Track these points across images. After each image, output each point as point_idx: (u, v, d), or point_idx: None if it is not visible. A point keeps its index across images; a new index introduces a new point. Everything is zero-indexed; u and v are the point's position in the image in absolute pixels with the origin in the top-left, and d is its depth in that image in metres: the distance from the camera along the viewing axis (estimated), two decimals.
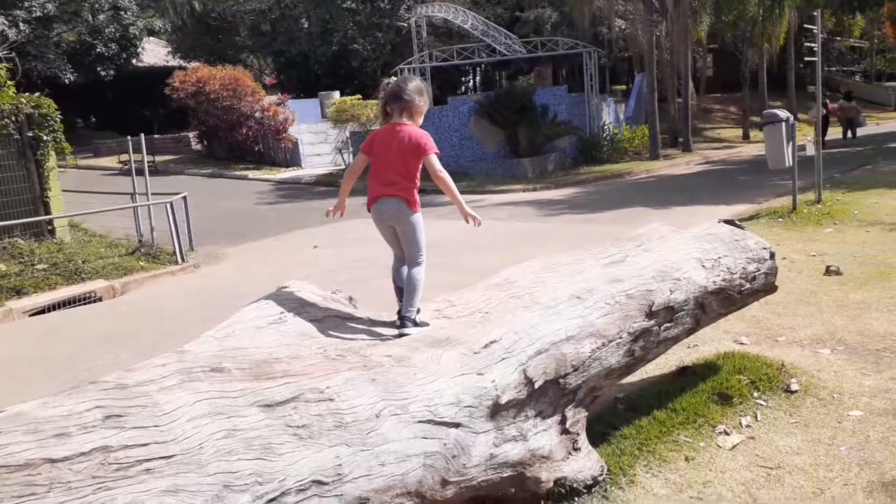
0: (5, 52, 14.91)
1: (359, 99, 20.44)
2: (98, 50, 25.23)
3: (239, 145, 22.63)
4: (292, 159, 22.41)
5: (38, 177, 9.81)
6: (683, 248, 3.90)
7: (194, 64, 26.43)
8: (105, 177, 22.89)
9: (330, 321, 3.21)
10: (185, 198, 11.58)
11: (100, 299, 9.10)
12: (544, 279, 3.86)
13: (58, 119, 9.89)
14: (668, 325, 3.43)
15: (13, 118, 9.47)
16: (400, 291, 3.52)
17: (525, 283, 3.66)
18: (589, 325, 3.14)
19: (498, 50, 19.56)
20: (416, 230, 3.50)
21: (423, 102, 3.53)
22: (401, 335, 3.14)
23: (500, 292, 3.90)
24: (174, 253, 10.47)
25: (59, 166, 24.02)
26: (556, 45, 19.91)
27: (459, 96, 20.84)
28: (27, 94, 10.19)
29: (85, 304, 8.85)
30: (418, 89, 3.51)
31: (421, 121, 3.54)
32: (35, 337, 7.35)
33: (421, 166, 3.47)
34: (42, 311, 8.53)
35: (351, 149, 21.30)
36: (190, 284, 9.42)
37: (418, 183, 3.47)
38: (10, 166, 9.83)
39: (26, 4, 24.03)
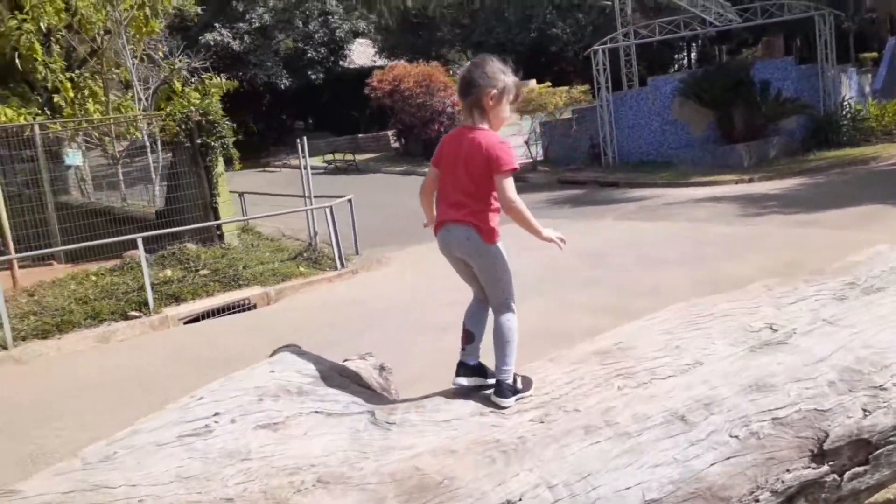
0: (203, 62, 15.83)
1: (548, 87, 19.12)
2: (309, 55, 26.57)
3: (432, 142, 22.43)
4: None
5: (207, 182, 9.98)
6: None
7: (395, 63, 26.86)
8: (312, 176, 24.07)
9: (309, 421, 2.18)
10: (349, 200, 11.25)
11: (254, 307, 8.97)
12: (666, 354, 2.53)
13: (226, 125, 9.99)
14: (860, 469, 1.92)
15: (183, 126, 9.68)
16: (468, 336, 2.68)
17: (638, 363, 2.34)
18: (692, 476, 1.76)
19: (707, 20, 17.09)
20: (494, 267, 2.63)
21: (501, 85, 2.55)
22: (494, 405, 2.40)
23: (599, 368, 2.67)
24: (334, 258, 10.14)
25: (274, 166, 25.54)
26: (780, 9, 16.92)
27: (662, 76, 18.61)
28: (203, 99, 10.41)
29: (238, 311, 8.74)
30: (492, 71, 2.54)
31: (504, 113, 2.63)
32: (168, 348, 7.23)
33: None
34: (196, 319, 8.55)
35: (540, 141, 20.08)
36: (338, 295, 8.96)
37: (496, 204, 2.61)
38: (183, 173, 10.10)
39: (248, 17, 25.98)
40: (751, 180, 14.28)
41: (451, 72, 28.05)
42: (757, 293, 3.42)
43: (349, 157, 23.81)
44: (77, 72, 13.57)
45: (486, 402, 2.44)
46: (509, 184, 2.50)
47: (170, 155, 10.74)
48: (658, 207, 12.17)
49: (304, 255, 10.43)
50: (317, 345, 6.53)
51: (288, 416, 2.14)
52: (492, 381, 2.52)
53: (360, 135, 27.88)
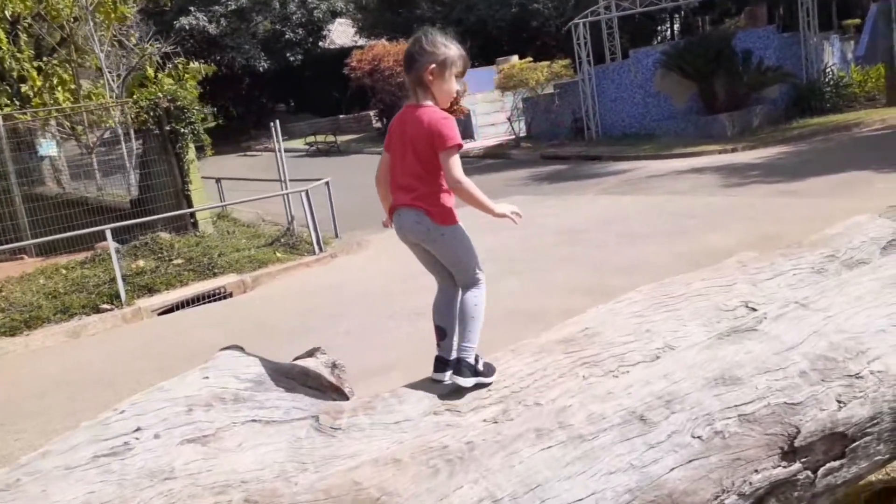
0: (170, 47, 15.43)
1: (529, 62, 18.81)
2: (287, 36, 26.12)
3: None
4: (465, 131, 21.45)
5: (178, 170, 9.72)
6: (882, 295, 2.12)
7: (375, 42, 26.44)
8: (294, 159, 23.75)
9: (244, 431, 2.01)
10: (327, 183, 11.02)
11: (230, 295, 8.77)
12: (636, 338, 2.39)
13: (195, 111, 9.71)
14: (836, 464, 1.76)
15: (151, 113, 9.40)
16: (440, 332, 2.57)
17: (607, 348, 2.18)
18: (650, 483, 1.60)
19: None
20: (454, 248, 2.52)
21: (441, 58, 2.42)
22: (454, 387, 2.33)
23: (563, 357, 2.54)
24: (312, 243, 9.94)
25: (255, 150, 25.20)
26: None
27: (643, 49, 18.34)
28: (173, 85, 10.10)
29: (214, 300, 8.55)
30: (432, 44, 2.43)
31: (449, 87, 2.49)
32: (139, 341, 7.03)
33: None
34: (171, 310, 8.35)
35: (522, 117, 19.83)
36: (315, 280, 8.77)
37: (445, 189, 2.50)
38: (154, 161, 9.84)
39: (223, 0, 25.45)
40: (734, 150, 14.13)
41: None
42: (732, 270, 3.28)
43: (330, 138, 23.49)
44: (45, 59, 13.17)
45: (451, 395, 2.30)
46: (454, 161, 2.37)
47: (140, 143, 10.46)
48: (640, 180, 12.01)
49: (282, 240, 10.22)
50: (291, 332, 6.41)
51: (220, 427, 1.97)
52: (488, 379, 2.38)
53: (341, 116, 27.54)
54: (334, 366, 2.61)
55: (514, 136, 19.42)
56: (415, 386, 2.42)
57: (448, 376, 2.40)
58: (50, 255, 10.19)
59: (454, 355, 2.48)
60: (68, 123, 13.82)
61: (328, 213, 10.92)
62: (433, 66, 2.40)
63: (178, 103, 9.40)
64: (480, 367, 2.40)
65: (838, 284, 2.24)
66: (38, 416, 5.10)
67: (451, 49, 2.41)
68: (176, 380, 2.14)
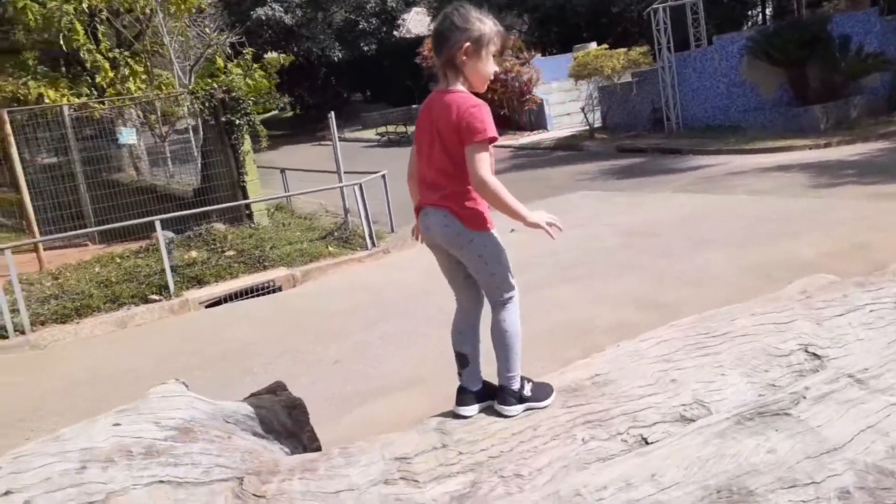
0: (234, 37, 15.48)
1: (605, 48, 17.96)
2: (361, 26, 26.07)
3: None
4: (537, 122, 20.82)
5: (234, 161, 9.64)
6: None
7: None
8: (364, 149, 23.73)
9: (143, 497, 1.67)
10: (383, 176, 10.74)
11: (279, 289, 8.62)
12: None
13: (251, 102, 9.58)
14: None
15: (206, 104, 9.34)
16: (461, 360, 2.30)
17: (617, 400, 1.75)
18: None
19: None
20: (482, 259, 2.21)
21: (476, 34, 2.11)
22: (497, 414, 2.12)
23: (562, 412, 2.13)
24: (364, 237, 9.68)
25: (329, 140, 25.47)
26: None
27: (729, 34, 17.14)
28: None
29: (262, 294, 8.41)
30: (464, 20, 2.12)
31: (486, 69, 2.17)
32: (178, 336, 6.93)
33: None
34: (218, 303, 8.27)
35: (599, 106, 19.01)
36: (364, 277, 8.50)
37: None
38: (212, 151, 9.81)
39: None
40: (827, 145, 12.98)
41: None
42: (792, 302, 2.72)
43: (401, 129, 23.31)
44: (118, 51, 13.43)
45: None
46: (481, 158, 2.04)
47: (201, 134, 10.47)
48: (720, 177, 11.16)
49: (335, 234, 10.01)
50: (328, 333, 6.12)
51: (115, 489, 1.63)
52: (542, 403, 2.15)
53: (414, 105, 27.31)
54: (293, 407, 2.24)
55: (588, 127, 18.63)
56: (377, 441, 2.02)
57: (470, 410, 2.15)
58: (112, 243, 10.35)
59: (479, 385, 2.23)
60: (140, 113, 14.10)
61: (380, 208, 10.64)
62: (467, 44, 2.08)
63: (234, 94, 9.30)
64: (527, 392, 2.13)
65: None
66: (59, 412, 5.00)
67: (486, 24, 2.09)
68: (81, 426, 1.83)
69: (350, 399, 4.38)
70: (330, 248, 9.51)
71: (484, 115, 2.04)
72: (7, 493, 1.56)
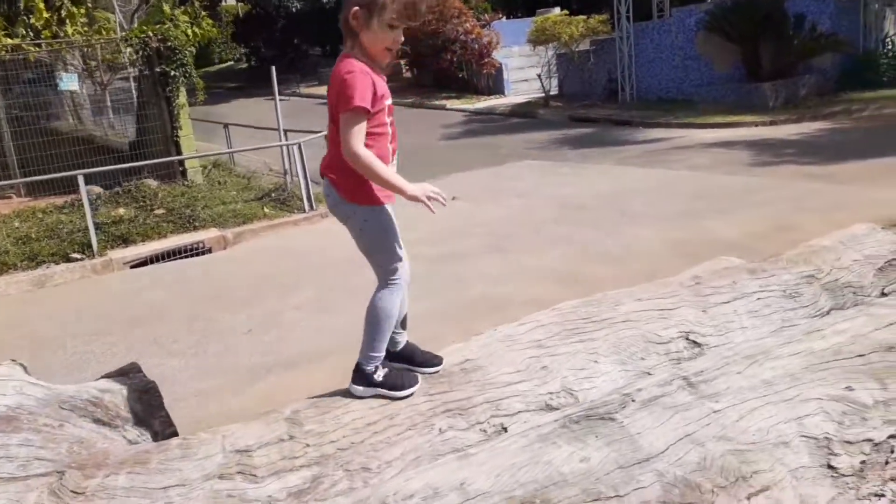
0: None
1: (565, 14, 17.74)
2: None
3: (443, 72, 21.33)
4: (496, 86, 20.58)
5: (168, 115, 9.26)
6: (806, 380, 1.52)
7: None
8: (318, 105, 23.20)
9: None
10: (326, 136, 10.45)
11: (209, 251, 8.38)
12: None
13: (187, 53, 9.16)
14: None
15: (140, 52, 8.90)
16: None
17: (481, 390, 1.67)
18: None
19: None
20: (366, 233, 2.09)
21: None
22: (348, 392, 2.05)
23: (423, 400, 2.04)
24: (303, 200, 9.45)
25: (283, 95, 24.86)
26: None
27: (688, 7, 17.09)
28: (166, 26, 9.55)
29: (191, 255, 8.17)
30: None
31: (381, 36, 1.96)
32: (95, 298, 6.68)
33: (384, 119, 2.03)
34: (144, 263, 8.00)
35: (556, 74, 18.85)
36: (297, 241, 8.30)
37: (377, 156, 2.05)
38: (147, 103, 9.40)
39: None
40: (773, 123, 13.11)
41: None
42: (681, 288, 2.67)
43: None
44: None
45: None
46: (352, 128, 1.90)
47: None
48: (663, 151, 11.19)
49: (272, 195, 9.75)
50: (243, 302, 5.95)
51: None
52: (395, 393, 2.03)
53: None
54: (145, 391, 2.11)
55: (544, 95, 18.49)
56: (219, 431, 1.91)
57: (362, 390, 2.05)
58: (41, 196, 9.91)
59: (406, 336, 2.23)
60: (80, 59, 13.45)
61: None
62: (356, 8, 1.91)
63: (169, 44, 8.87)
64: (379, 377, 2.03)
65: (758, 355, 1.63)
66: None
67: None
68: None
69: (255, 372, 4.27)
70: (266, 210, 9.27)
71: (356, 82, 1.89)
72: None
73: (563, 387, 2.13)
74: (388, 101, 1.99)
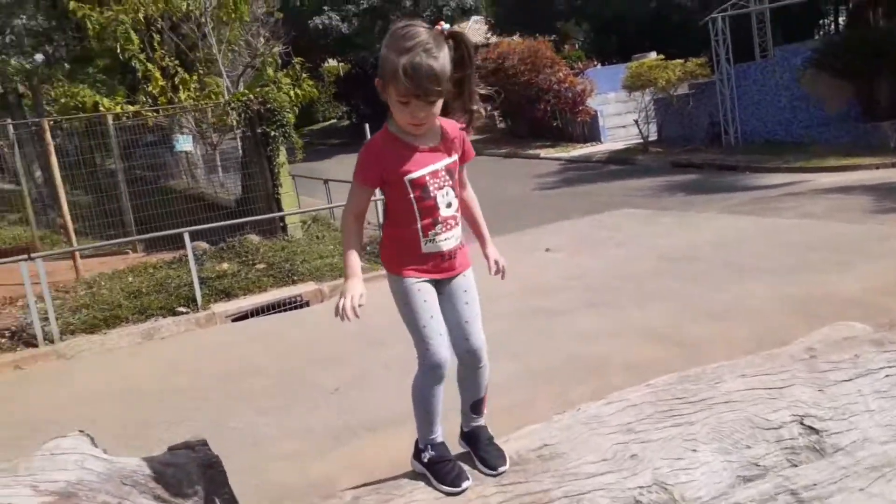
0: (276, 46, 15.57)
1: (661, 59, 17.40)
2: None
3: (538, 122, 21.34)
4: (591, 133, 20.34)
5: (269, 172, 9.64)
6: None
7: (500, 40, 25.86)
8: None
9: None
10: None
11: (306, 304, 8.54)
12: None
13: (286, 114, 9.56)
14: None
15: (243, 114, 9.37)
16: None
17: None
18: None
19: None
20: (397, 303, 2.03)
21: (382, 71, 1.79)
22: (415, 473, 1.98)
23: (494, 492, 1.87)
24: None
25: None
26: None
27: (793, 45, 16.32)
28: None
29: (289, 309, 8.35)
30: (383, 52, 1.79)
31: (395, 108, 1.82)
32: (193, 353, 6.89)
33: (406, 196, 1.90)
34: (245, 316, 8.24)
35: (654, 119, 18.43)
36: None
37: (392, 230, 1.99)
38: (250, 162, 9.84)
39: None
40: (895, 165, 12.18)
41: (562, 47, 26.63)
42: (792, 362, 2.38)
43: None
44: (169, 60, 13.73)
45: None
46: (349, 196, 1.93)
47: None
48: (774, 198, 10.57)
49: (368, 248, 9.87)
50: (332, 358, 5.96)
51: None
52: (437, 484, 1.89)
53: None
54: (209, 465, 2.05)
55: (642, 141, 18.08)
56: None
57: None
58: (154, 251, 10.50)
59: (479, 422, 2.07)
60: (192, 122, 14.37)
61: None
62: (377, 78, 1.82)
63: (269, 105, 9.30)
64: (426, 457, 1.95)
65: (884, 466, 1.36)
66: (59, 429, 4.97)
67: (390, 60, 1.72)
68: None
69: (339, 434, 4.20)
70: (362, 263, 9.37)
71: (360, 157, 1.89)
72: None
73: (656, 480, 1.90)
74: (418, 173, 1.84)
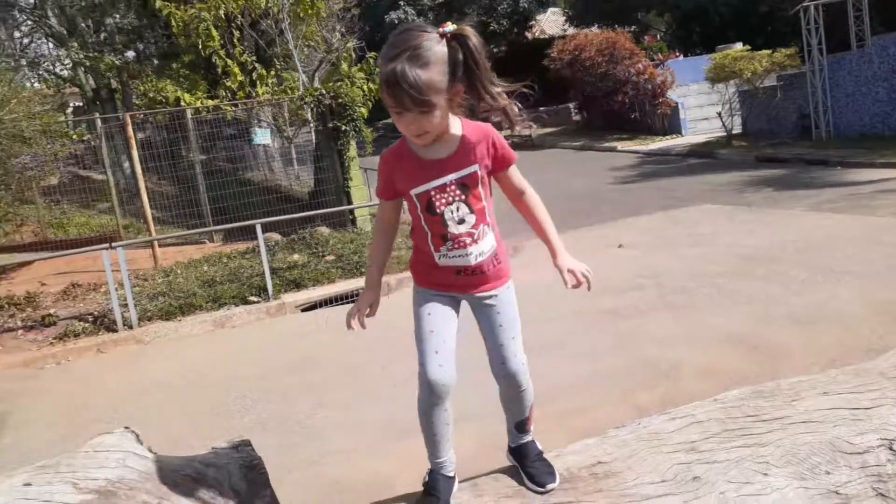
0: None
1: (747, 50, 16.59)
2: (491, 28, 25.91)
3: (615, 114, 20.81)
4: (672, 126, 19.67)
5: (340, 166, 9.73)
6: None
7: (585, 31, 25.33)
8: None
9: None
10: None
11: None
12: None
13: (357, 108, 9.61)
14: None
15: (315, 109, 9.48)
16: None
17: None
18: None
19: None
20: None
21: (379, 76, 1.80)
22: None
23: None
24: None
25: None
26: None
27: (890, 34, 15.23)
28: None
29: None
30: (384, 51, 1.65)
31: (396, 118, 1.71)
32: (263, 341, 7.01)
33: (416, 210, 1.80)
34: (313, 307, 8.34)
35: (739, 111, 17.64)
36: None
37: (413, 240, 1.91)
38: (322, 156, 9.96)
39: None
40: None
41: (642, 38, 25.86)
42: (880, 378, 2.16)
43: (525, 132, 22.89)
44: (247, 56, 14.07)
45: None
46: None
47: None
48: (868, 195, 9.90)
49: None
50: (401, 349, 5.88)
51: None
52: None
53: (541, 108, 26.82)
54: (251, 467, 2.01)
55: (725, 133, 17.34)
56: None
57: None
58: (231, 242, 10.80)
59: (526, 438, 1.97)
60: (263, 114, 14.72)
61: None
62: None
63: (340, 100, 9.36)
64: (425, 477, 1.93)
65: None
66: (130, 417, 5.13)
67: (380, 65, 1.61)
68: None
69: (399, 430, 4.14)
70: None
71: (378, 167, 1.84)
72: None
73: None
74: (422, 188, 1.71)
